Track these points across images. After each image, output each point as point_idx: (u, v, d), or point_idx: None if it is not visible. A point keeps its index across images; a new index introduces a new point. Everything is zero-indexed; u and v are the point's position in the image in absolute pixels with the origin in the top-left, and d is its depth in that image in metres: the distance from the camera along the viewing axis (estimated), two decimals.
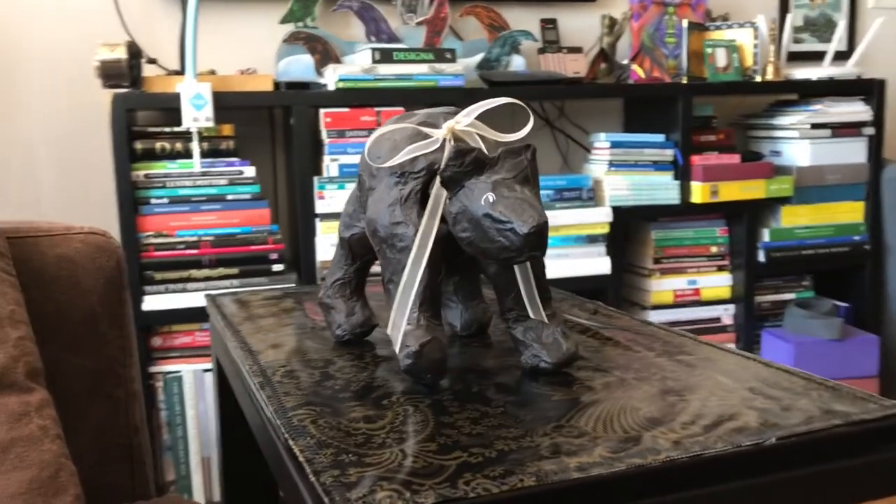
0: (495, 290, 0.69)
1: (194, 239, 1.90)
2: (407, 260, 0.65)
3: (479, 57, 2.19)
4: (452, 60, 2.02)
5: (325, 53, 2.12)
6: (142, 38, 2.06)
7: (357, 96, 1.96)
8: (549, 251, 2.07)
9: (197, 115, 1.86)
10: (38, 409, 0.68)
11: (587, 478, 0.49)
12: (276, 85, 1.98)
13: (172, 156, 1.91)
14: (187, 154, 1.91)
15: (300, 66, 2.08)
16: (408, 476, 0.49)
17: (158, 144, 1.91)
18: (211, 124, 1.87)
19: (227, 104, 1.88)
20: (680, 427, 0.56)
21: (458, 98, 1.99)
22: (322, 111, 1.94)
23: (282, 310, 0.90)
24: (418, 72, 1.99)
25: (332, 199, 1.95)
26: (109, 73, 1.82)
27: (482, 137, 0.69)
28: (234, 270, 1.92)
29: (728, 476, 0.52)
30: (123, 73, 1.83)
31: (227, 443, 0.98)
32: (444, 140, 0.67)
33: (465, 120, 0.68)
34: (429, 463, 0.51)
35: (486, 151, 0.65)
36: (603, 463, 0.50)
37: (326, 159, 1.95)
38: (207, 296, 0.94)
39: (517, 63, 2.19)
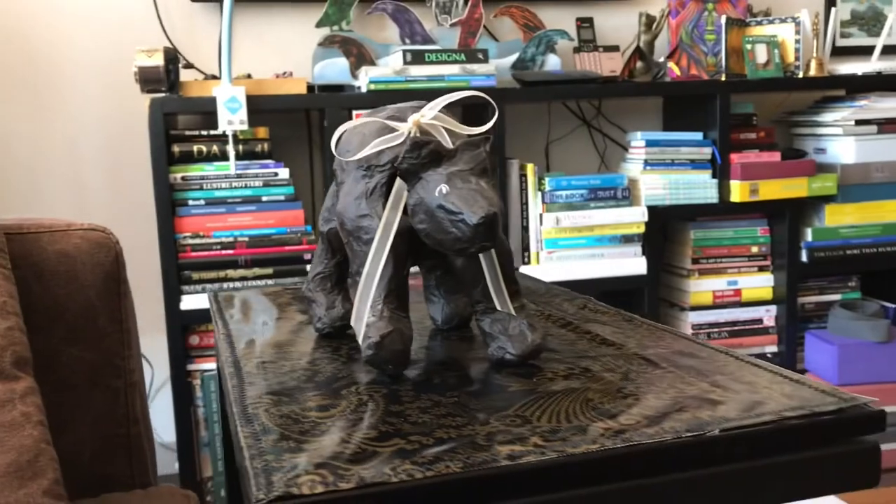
0: (463, 283, 0.70)
1: (230, 240, 1.94)
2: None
3: (513, 57, 2.19)
4: (484, 61, 2.03)
5: (360, 56, 2.14)
6: (182, 44, 2.11)
7: (388, 98, 1.97)
8: (583, 251, 2.06)
9: (232, 118, 1.90)
10: (22, 396, 0.70)
11: (514, 465, 0.48)
12: (311, 88, 2.01)
13: (209, 158, 1.96)
14: (224, 157, 1.95)
15: (336, 69, 2.10)
16: (339, 462, 0.49)
17: (196, 147, 1.95)
18: (245, 127, 1.91)
19: (261, 107, 1.91)
20: (627, 419, 0.55)
21: (490, 97, 1.98)
22: (354, 113, 1.96)
23: (279, 304, 0.91)
24: (450, 72, 2.00)
25: None
26: (147, 79, 1.88)
27: (449, 131, 0.69)
28: (269, 270, 1.95)
29: (665, 468, 0.51)
30: (161, 79, 1.88)
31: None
32: (410, 133, 0.68)
33: (429, 113, 0.69)
34: (363, 449, 0.51)
35: (448, 144, 0.65)
36: (534, 452, 0.50)
37: None
38: (210, 293, 0.96)
39: (552, 63, 2.18)
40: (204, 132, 1.96)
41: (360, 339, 0.65)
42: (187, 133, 1.97)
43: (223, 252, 1.94)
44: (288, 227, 1.97)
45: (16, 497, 0.65)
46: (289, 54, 2.20)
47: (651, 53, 2.18)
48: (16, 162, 2.09)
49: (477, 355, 0.71)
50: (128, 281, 0.92)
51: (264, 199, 1.96)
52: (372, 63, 2.11)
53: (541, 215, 2.06)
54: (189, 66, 1.93)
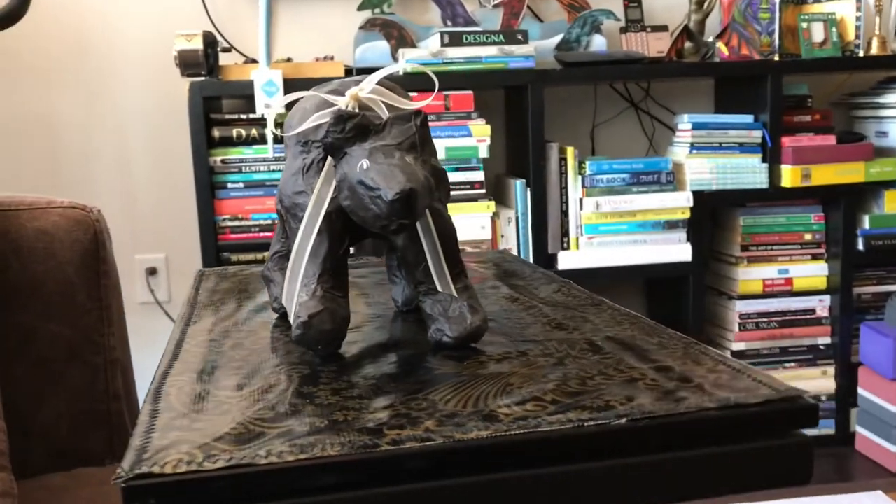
0: (405, 263, 0.68)
1: (268, 222, 1.96)
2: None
3: (558, 38, 2.14)
4: (524, 42, 1.99)
5: (401, 39, 2.13)
6: (227, 29, 2.14)
7: (426, 81, 1.95)
8: (625, 237, 2.01)
9: (269, 101, 1.92)
10: None
11: (394, 450, 0.46)
12: (349, 72, 2.01)
13: (248, 142, 1.97)
14: (263, 140, 1.96)
15: (376, 52, 2.09)
16: (217, 442, 0.48)
17: (235, 131, 1.98)
18: (282, 110, 1.92)
19: (297, 91, 1.92)
20: (536, 405, 0.52)
21: (528, 80, 1.95)
22: None
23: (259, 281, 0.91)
24: (487, 54, 1.97)
25: None
26: (187, 63, 1.90)
27: (390, 106, 0.67)
28: None
29: (562, 457, 0.48)
30: (200, 62, 1.91)
31: None
32: (346, 107, 0.66)
33: (368, 86, 0.67)
34: (250, 430, 0.50)
35: (385, 117, 0.63)
36: (419, 437, 0.48)
37: None
38: (198, 270, 0.97)
39: (598, 43, 2.12)
40: (243, 116, 1.98)
41: (290, 319, 0.64)
42: (227, 117, 1.99)
43: (261, 234, 1.96)
44: None
45: None
46: (331, 38, 2.20)
47: (701, 33, 2.10)
48: (68, 147, 2.15)
49: (424, 338, 0.69)
50: (111, 259, 0.92)
51: None
52: (413, 46, 2.09)
53: (581, 200, 2.01)
54: (227, 49, 1.95)
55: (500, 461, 0.48)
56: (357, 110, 0.66)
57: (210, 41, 1.94)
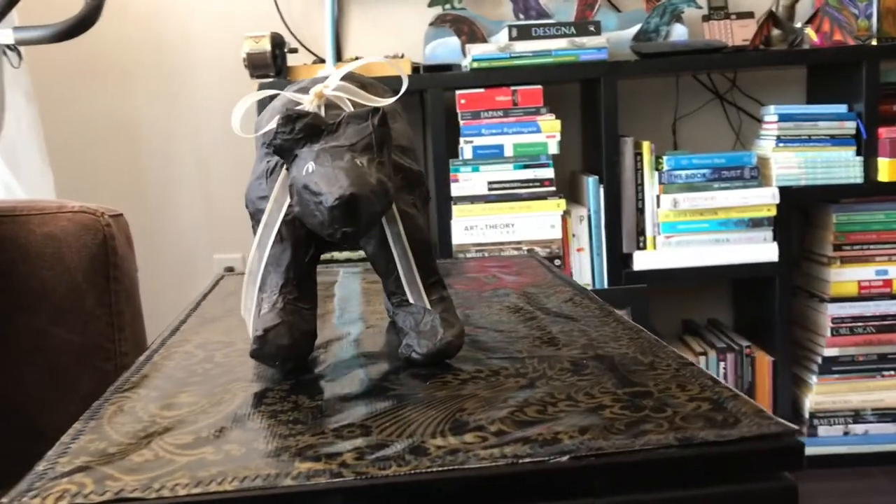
0: (376, 272, 0.63)
1: None
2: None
3: (635, 29, 2.04)
4: (596, 33, 1.90)
5: (472, 34, 2.08)
6: (299, 29, 2.14)
7: (492, 76, 1.90)
8: (705, 236, 1.90)
9: None
10: None
11: (290, 488, 0.42)
12: (416, 69, 1.97)
13: None
14: None
15: (447, 48, 2.05)
16: (118, 470, 0.45)
17: None
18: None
19: None
20: (475, 437, 0.47)
21: (601, 72, 1.87)
22: (458, 93, 1.91)
23: None
24: (557, 47, 1.90)
25: (466, 182, 1.91)
26: (255, 64, 1.91)
27: (358, 104, 0.62)
28: None
29: (488, 499, 0.43)
30: (268, 64, 1.91)
31: None
32: (316, 107, 0.62)
33: (333, 83, 0.62)
34: (160, 457, 0.46)
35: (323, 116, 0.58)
36: (328, 473, 0.43)
37: (461, 141, 1.91)
38: (220, 273, 0.95)
39: (678, 33, 2.01)
40: None
41: (249, 333, 0.61)
42: None
43: None
44: None
45: None
46: (403, 36, 2.17)
47: (790, 19, 1.96)
48: (148, 148, 2.20)
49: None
50: (125, 265, 0.91)
51: None
52: (484, 41, 2.04)
53: (657, 197, 1.91)
54: (294, 50, 1.95)
55: (415, 502, 0.43)
56: (319, 109, 0.61)
57: (278, 42, 1.94)
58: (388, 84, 1.90)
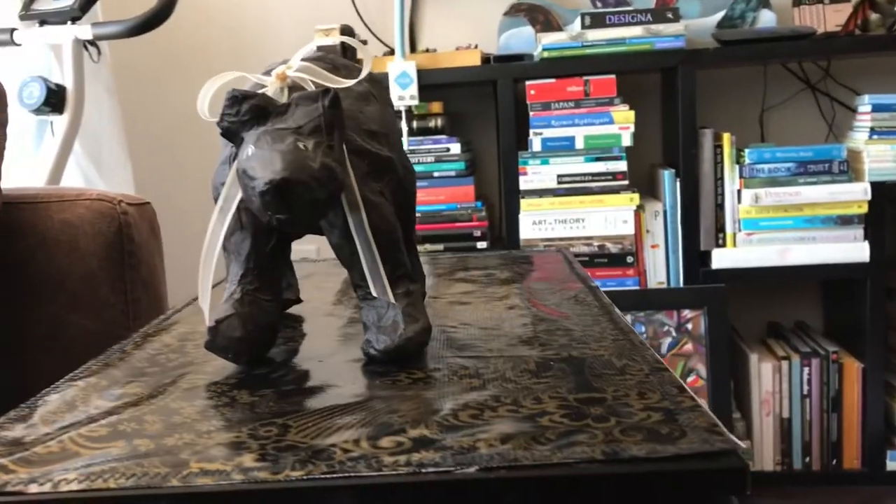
0: (341, 263, 0.60)
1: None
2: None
3: (719, 15, 1.94)
4: (674, 20, 1.82)
5: (547, 23, 2.02)
6: (374, 21, 2.13)
7: (563, 66, 1.84)
8: (789, 233, 1.78)
9: (402, 93, 1.89)
10: None
11: (168, 489, 0.39)
12: (486, 60, 1.93)
13: None
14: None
15: (521, 38, 2.01)
16: (17, 461, 0.43)
17: None
18: (416, 102, 1.88)
19: (431, 82, 1.88)
20: (391, 441, 0.43)
21: (677, 60, 1.78)
22: (527, 83, 1.86)
23: (331, 279, 0.86)
24: (632, 35, 1.82)
25: (535, 175, 1.86)
26: None
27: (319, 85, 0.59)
28: (439, 247, 1.92)
29: None
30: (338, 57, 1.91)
31: None
32: (279, 89, 0.59)
33: (297, 64, 0.59)
34: (67, 449, 0.45)
35: (273, 98, 0.55)
36: (219, 474, 0.40)
37: (530, 133, 1.86)
38: None
39: (766, 19, 1.90)
40: None
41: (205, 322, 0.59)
42: None
43: None
44: (458, 203, 1.92)
45: None
46: (478, 26, 2.13)
47: (891, 2, 1.82)
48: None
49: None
50: (141, 254, 0.92)
51: (436, 174, 1.93)
52: (559, 30, 1.98)
53: (738, 192, 1.81)
54: (364, 42, 1.94)
55: None
56: (282, 92, 0.59)
57: (348, 34, 1.94)
58: (455, 73, 1.84)
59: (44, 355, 0.87)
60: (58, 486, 0.40)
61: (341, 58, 0.65)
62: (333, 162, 0.52)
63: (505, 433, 0.43)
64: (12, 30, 1.78)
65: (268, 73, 0.61)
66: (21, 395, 0.57)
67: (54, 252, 0.86)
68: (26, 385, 0.80)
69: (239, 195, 0.57)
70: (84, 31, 1.74)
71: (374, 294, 0.58)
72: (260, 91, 0.60)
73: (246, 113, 0.54)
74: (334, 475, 0.39)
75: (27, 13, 1.78)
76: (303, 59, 0.61)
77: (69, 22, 1.76)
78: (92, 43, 1.81)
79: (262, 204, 0.50)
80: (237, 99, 0.54)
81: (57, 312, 0.87)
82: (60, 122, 1.73)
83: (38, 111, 1.72)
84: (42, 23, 1.78)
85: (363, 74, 0.61)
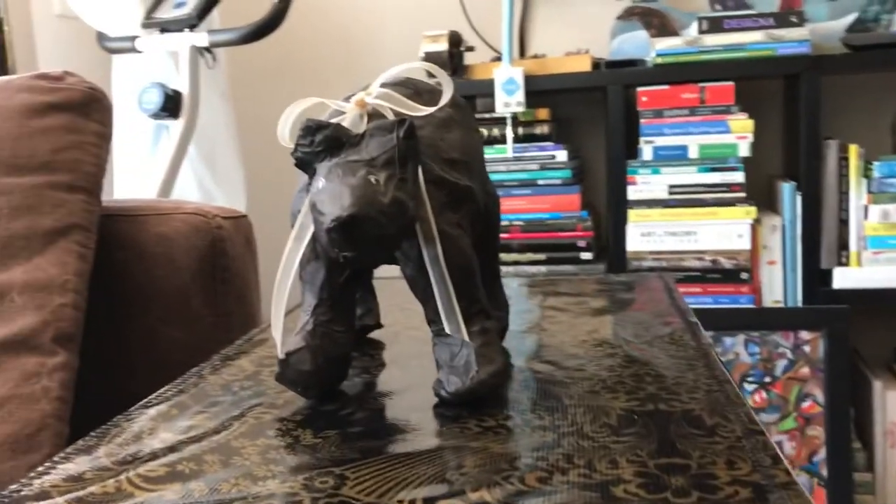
0: (416, 298, 0.57)
1: (505, 223, 1.90)
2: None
3: (851, 18, 1.82)
4: (798, 24, 1.72)
5: (662, 28, 1.95)
6: (484, 27, 2.11)
7: (677, 72, 1.77)
8: (884, 255, 1.66)
9: (508, 100, 1.86)
10: (51, 371, 0.74)
11: None
12: (596, 66, 1.88)
13: (489, 142, 1.93)
14: (503, 140, 1.91)
15: (634, 43, 1.95)
16: (73, 501, 0.43)
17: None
18: (522, 109, 1.85)
19: (539, 88, 1.84)
20: (398, 502, 0.40)
21: (801, 67, 1.68)
22: (639, 90, 1.80)
23: None
24: (752, 40, 1.73)
25: (644, 185, 1.80)
26: (432, 63, 1.90)
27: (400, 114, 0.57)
28: (542, 256, 1.89)
29: None
30: (445, 63, 1.90)
31: None
32: (358, 116, 0.57)
33: (376, 90, 0.57)
34: (122, 490, 0.44)
35: (348, 128, 0.53)
36: None
37: (641, 141, 1.80)
38: None
39: None
40: (486, 115, 1.94)
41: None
42: None
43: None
44: (563, 212, 1.87)
45: (1, 469, 0.69)
46: (590, 31, 2.08)
47: None
48: None
49: None
50: (236, 268, 0.92)
51: (540, 182, 1.89)
52: (675, 34, 1.91)
53: (865, 207, 1.70)
54: (471, 48, 1.92)
55: None
56: (361, 119, 0.57)
57: (455, 41, 1.92)
58: (563, 79, 1.78)
59: (137, 365, 0.88)
60: None
61: (426, 83, 0.63)
62: (405, 196, 0.50)
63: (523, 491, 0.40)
64: (134, 37, 1.84)
65: (348, 99, 0.59)
66: (113, 403, 0.57)
67: (150, 265, 0.87)
68: (120, 392, 0.82)
69: (312, 227, 0.55)
70: (201, 38, 1.79)
71: (448, 331, 0.55)
72: (339, 118, 0.58)
73: (319, 143, 0.52)
74: None
75: (148, 21, 1.84)
76: (384, 85, 0.59)
77: (187, 29, 1.81)
78: (208, 50, 1.86)
79: (329, 240, 0.48)
80: (311, 129, 0.52)
81: (151, 324, 0.88)
82: (176, 126, 1.78)
83: (155, 116, 1.78)
84: (163, 30, 1.84)
85: (444, 100, 0.58)
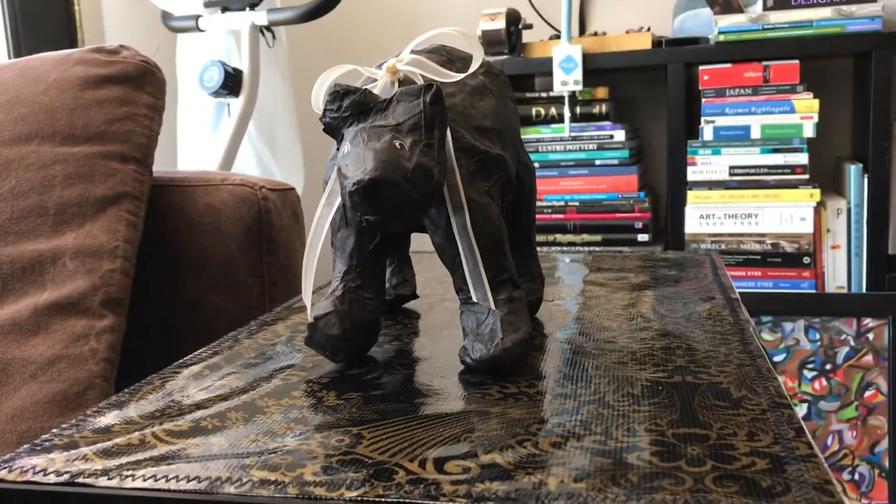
0: (445, 265, 0.57)
1: (561, 204, 1.89)
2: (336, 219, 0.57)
3: None
4: (870, 0, 1.65)
5: (727, 5, 1.90)
6: (543, 4, 2.09)
7: (740, 50, 1.73)
8: None
9: (566, 78, 1.84)
10: (99, 333, 0.77)
11: (226, 495, 0.39)
12: (657, 44, 1.85)
13: (546, 121, 1.92)
14: (561, 119, 1.90)
15: (698, 21, 1.90)
16: (98, 453, 0.44)
17: (534, 109, 1.93)
18: (579, 87, 1.83)
19: (598, 66, 1.82)
20: (457, 469, 0.40)
21: (872, 45, 1.62)
22: (701, 69, 1.76)
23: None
24: (820, 17, 1.68)
25: (704, 165, 1.76)
26: (490, 41, 1.90)
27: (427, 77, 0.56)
28: (598, 238, 1.87)
29: None
30: (502, 41, 1.89)
31: None
32: (389, 83, 0.57)
33: (407, 57, 0.57)
34: (146, 443, 0.45)
35: (375, 93, 0.53)
36: (276, 483, 0.39)
37: (702, 121, 1.76)
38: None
39: None
40: (544, 94, 1.93)
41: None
42: (528, 95, 1.95)
43: (553, 216, 1.90)
44: (620, 193, 1.85)
45: (50, 424, 0.72)
46: (651, 8, 2.04)
47: None
48: None
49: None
50: (281, 238, 0.94)
51: (597, 162, 1.87)
52: (740, 11, 1.86)
53: None
54: (529, 26, 1.90)
55: None
56: (392, 86, 0.57)
57: (513, 19, 1.91)
58: (622, 58, 1.76)
59: (186, 332, 0.90)
60: (123, 482, 0.40)
61: (460, 50, 0.62)
62: (431, 162, 0.50)
63: (583, 469, 0.39)
64: (198, 17, 1.88)
65: (381, 66, 0.59)
66: (160, 368, 0.58)
67: (198, 234, 0.89)
68: (167, 358, 0.84)
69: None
70: (260, 16, 1.81)
71: (475, 299, 0.55)
72: (371, 84, 0.58)
73: (347, 108, 0.52)
74: (388, 500, 0.37)
75: (211, 0, 1.87)
76: (417, 52, 0.59)
77: (247, 8, 1.83)
78: (268, 28, 1.89)
79: (351, 205, 0.48)
80: (339, 94, 0.52)
81: (199, 292, 0.90)
82: (236, 104, 1.81)
83: (216, 94, 1.81)
84: (224, 9, 1.86)
85: (474, 67, 0.57)
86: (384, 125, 0.50)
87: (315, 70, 2.30)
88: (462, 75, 0.57)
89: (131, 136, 0.88)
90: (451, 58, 0.61)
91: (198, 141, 1.98)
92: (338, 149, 0.54)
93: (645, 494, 0.37)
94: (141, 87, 0.92)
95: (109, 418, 0.49)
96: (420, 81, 0.57)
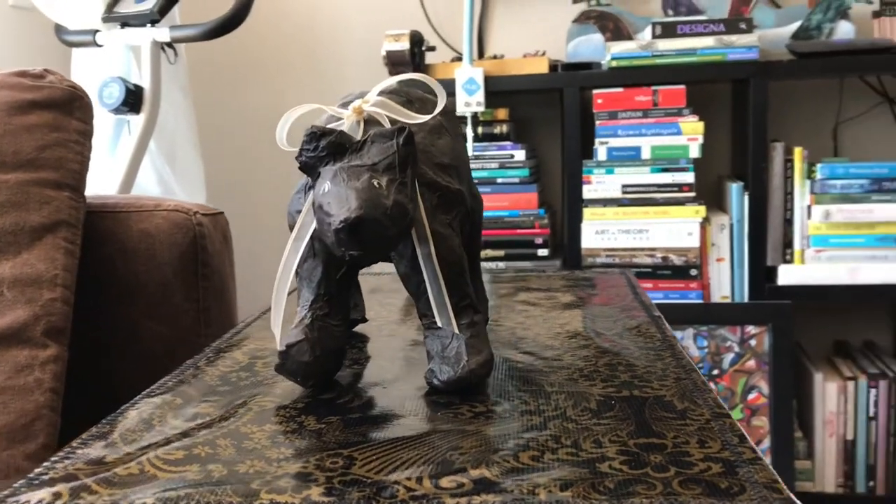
0: (408, 293, 0.61)
1: None
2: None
3: (795, 26, 1.90)
4: (747, 30, 1.79)
5: (617, 31, 2.01)
6: (444, 27, 2.15)
7: (631, 75, 1.83)
8: (860, 252, 1.75)
9: (469, 99, 1.90)
10: (43, 363, 0.76)
11: None
12: (554, 67, 1.93)
13: None
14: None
15: (590, 46, 2.00)
16: (98, 481, 0.46)
17: None
18: (482, 109, 1.90)
19: (498, 88, 1.89)
20: (452, 484, 0.44)
21: (750, 73, 1.76)
22: (595, 92, 1.86)
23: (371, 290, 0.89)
24: (703, 45, 1.80)
25: (599, 184, 1.85)
26: (394, 62, 1.94)
27: (396, 121, 0.61)
28: (500, 253, 1.93)
29: None
30: (406, 61, 1.93)
31: None
32: (355, 123, 0.61)
33: (373, 98, 0.61)
34: (145, 471, 0.47)
35: (350, 134, 0.57)
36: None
37: (596, 142, 1.86)
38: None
39: (844, 31, 1.86)
40: None
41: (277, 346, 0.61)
42: None
43: None
44: (521, 210, 1.92)
45: None
46: (546, 33, 2.14)
47: None
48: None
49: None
50: (214, 263, 0.95)
51: (499, 180, 1.94)
52: (629, 38, 1.97)
53: (808, 207, 1.78)
54: (432, 48, 1.96)
55: None
56: (358, 126, 0.60)
57: (417, 40, 1.96)
58: (521, 80, 1.83)
59: (121, 358, 0.91)
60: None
61: (417, 91, 0.67)
62: (405, 199, 0.54)
63: (565, 479, 0.44)
64: (95, 31, 1.84)
65: (344, 105, 0.63)
66: (99, 395, 0.59)
67: (133, 260, 0.90)
68: (105, 384, 0.84)
69: (313, 225, 0.59)
70: (162, 33, 1.79)
71: (439, 324, 0.59)
72: (336, 123, 0.62)
73: (324, 149, 0.55)
74: None
75: (109, 15, 1.84)
76: (379, 93, 0.62)
77: (148, 24, 1.81)
78: (170, 45, 1.87)
79: (336, 240, 0.52)
80: (315, 135, 0.56)
81: (135, 318, 0.91)
82: (137, 121, 1.79)
83: (116, 111, 1.78)
84: (123, 25, 1.84)
85: (439, 109, 0.62)
86: (361, 165, 0.54)
87: (216, 86, 2.29)
88: (427, 117, 0.61)
89: (64, 163, 0.88)
90: (409, 98, 0.65)
91: (97, 160, 1.93)
92: (312, 186, 0.57)
93: (626, 499, 0.42)
94: (70, 112, 0.92)
95: (98, 450, 0.51)
96: (385, 122, 0.60)
